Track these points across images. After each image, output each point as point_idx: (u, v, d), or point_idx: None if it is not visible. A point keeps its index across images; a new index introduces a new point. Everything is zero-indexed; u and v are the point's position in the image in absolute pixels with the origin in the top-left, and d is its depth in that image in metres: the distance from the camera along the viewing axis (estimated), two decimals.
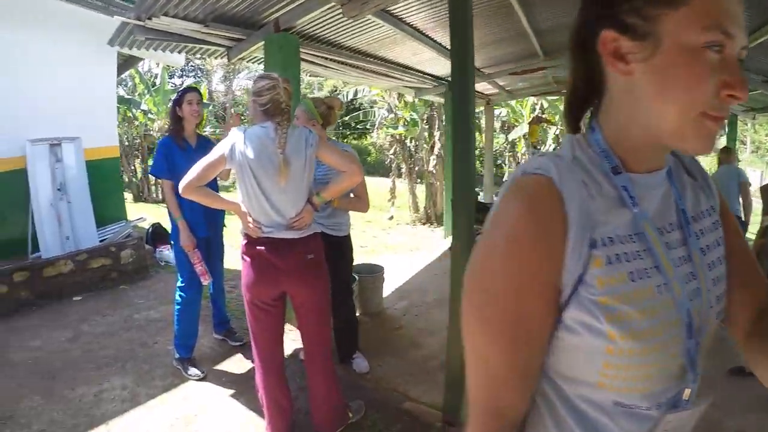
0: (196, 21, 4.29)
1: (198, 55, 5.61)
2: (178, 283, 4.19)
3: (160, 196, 18.13)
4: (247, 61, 5.83)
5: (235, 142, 2.62)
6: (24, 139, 6.37)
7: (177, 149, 3.95)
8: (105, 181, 7.45)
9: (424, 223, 13.10)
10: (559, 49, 6.94)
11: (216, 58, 5.70)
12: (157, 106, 17.47)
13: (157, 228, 8.01)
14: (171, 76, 23.47)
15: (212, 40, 4.80)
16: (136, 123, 18.08)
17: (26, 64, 6.62)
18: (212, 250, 4.35)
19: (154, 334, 5.00)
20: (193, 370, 4.10)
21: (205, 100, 18.57)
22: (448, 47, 6.31)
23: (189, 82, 25.84)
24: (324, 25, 4.87)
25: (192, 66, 28.37)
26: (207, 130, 19.14)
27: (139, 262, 6.73)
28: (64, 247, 6.40)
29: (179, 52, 5.40)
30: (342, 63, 6.18)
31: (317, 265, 2.85)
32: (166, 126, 18.22)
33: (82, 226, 6.67)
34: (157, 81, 18.29)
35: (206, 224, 4.08)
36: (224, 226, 4.44)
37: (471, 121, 3.09)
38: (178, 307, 4.17)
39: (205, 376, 4.10)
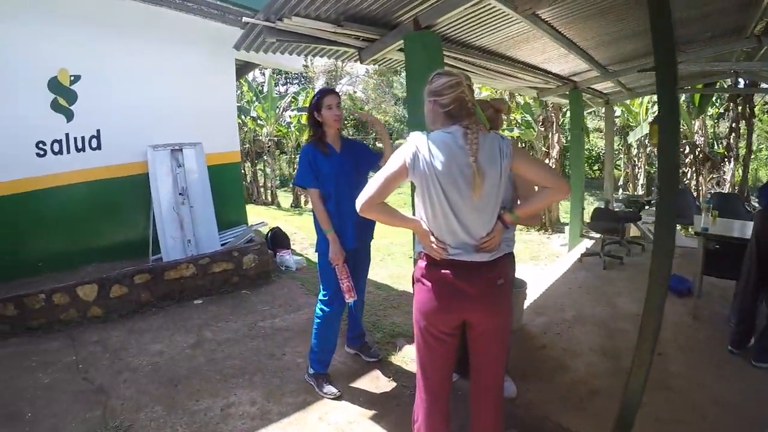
0: (328, 21, 4.09)
1: (327, 57, 5.45)
2: (321, 296, 3.88)
3: (269, 198, 18.62)
4: (378, 64, 5.62)
5: (417, 149, 2.25)
6: (146, 145, 6.57)
7: (321, 156, 3.66)
8: (226, 185, 7.55)
9: (538, 230, 12.51)
10: (694, 40, 6.37)
11: (345, 60, 5.53)
12: (265, 112, 17.93)
13: (276, 232, 7.95)
14: (275, 84, 23.96)
15: (343, 40, 4.59)
16: (245, 129, 18.74)
17: (149, 72, 6.82)
18: (359, 263, 4.00)
19: (281, 345, 4.79)
20: (328, 388, 3.83)
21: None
22: (579, 45, 6.00)
23: (293, 89, 26.28)
24: (461, 23, 4.58)
25: (295, 74, 28.96)
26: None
27: (261, 267, 6.64)
28: (185, 251, 6.48)
29: (307, 55, 5.24)
30: (469, 63, 5.88)
31: (506, 290, 2.49)
32: (275, 131, 18.76)
33: (203, 230, 6.74)
34: (264, 88, 18.70)
35: (356, 236, 3.75)
36: (372, 237, 4.09)
37: (677, 127, 2.67)
38: (318, 321, 3.87)
39: (341, 395, 3.81)
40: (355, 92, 32.34)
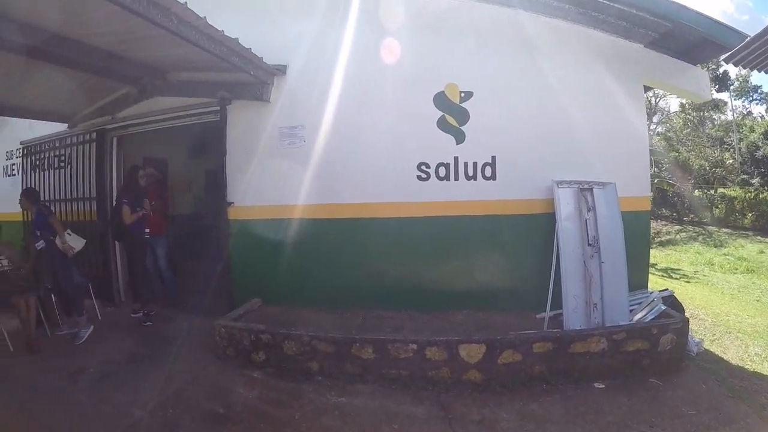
0: None
1: None
2: None
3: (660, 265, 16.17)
4: None
5: None
6: (550, 180, 5.61)
7: None
8: (634, 239, 5.98)
9: None
10: None
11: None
12: None
13: (673, 302, 6.21)
14: None
15: None
16: None
17: (548, 93, 5.91)
18: None
19: None
20: None
21: None
22: None
23: None
24: None
25: None
26: None
27: (677, 352, 5.06)
28: (589, 317, 5.24)
29: None
30: None
31: None
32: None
33: (612, 293, 5.38)
34: None
35: None
36: None
37: None
38: None
39: None
40: (667, 132, 29.19)
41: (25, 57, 5.03)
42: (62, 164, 8.11)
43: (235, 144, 6.44)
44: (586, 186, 5.50)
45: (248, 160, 6.35)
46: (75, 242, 6.40)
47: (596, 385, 4.63)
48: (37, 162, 8.51)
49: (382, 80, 5.92)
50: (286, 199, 6.18)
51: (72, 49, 4.94)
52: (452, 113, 5.77)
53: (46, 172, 8.30)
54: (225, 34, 4.80)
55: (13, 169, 9.42)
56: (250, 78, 5.84)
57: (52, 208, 7.18)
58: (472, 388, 4.48)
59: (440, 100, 5.78)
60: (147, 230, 6.77)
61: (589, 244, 5.28)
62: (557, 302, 5.37)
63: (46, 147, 8.35)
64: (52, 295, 6.58)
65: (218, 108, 6.54)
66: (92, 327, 6.27)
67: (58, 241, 6.10)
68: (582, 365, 4.72)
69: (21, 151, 8.88)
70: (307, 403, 4.31)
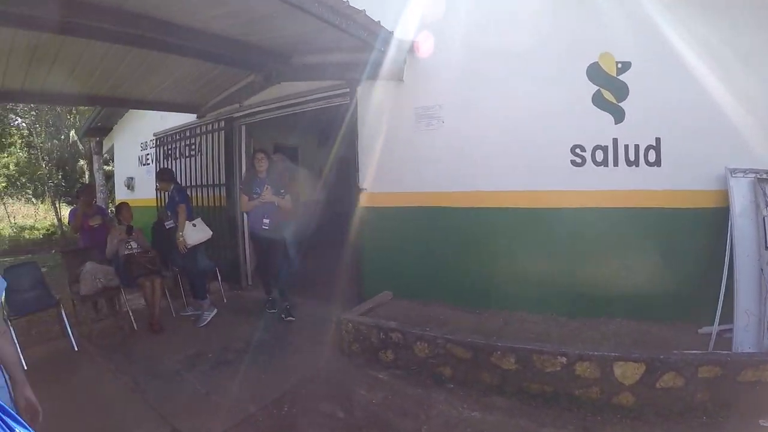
0: None
1: None
2: None
3: None
4: None
5: None
6: (722, 167, 4.72)
7: None
8: None
9: None
10: None
11: None
12: None
13: None
14: None
15: None
16: None
17: (726, 62, 4.89)
18: None
19: None
20: None
21: None
22: None
23: None
24: None
25: None
26: None
27: None
28: (760, 338, 4.36)
29: None
30: None
31: None
32: None
33: None
34: None
35: None
36: None
37: None
38: None
39: None
40: None
41: (154, 51, 5.14)
42: (192, 152, 8.38)
43: (366, 127, 6.26)
44: (764, 176, 4.58)
45: (381, 144, 6.11)
46: (200, 233, 6.58)
47: (762, 422, 3.82)
48: (169, 151, 8.89)
49: (526, 51, 5.32)
50: (422, 186, 5.89)
51: (194, 39, 4.92)
52: (609, 87, 5.11)
53: (178, 161, 8.63)
54: (349, 5, 4.49)
55: (148, 159, 9.98)
56: (380, 56, 5.52)
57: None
58: (623, 414, 3.88)
59: (594, 71, 5.15)
60: (266, 220, 6.43)
61: (767, 248, 4.44)
62: (723, 315, 4.58)
63: (177, 137, 8.68)
64: (179, 277, 7.01)
65: (347, 90, 6.36)
66: (215, 310, 6.38)
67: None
68: (748, 397, 3.92)
69: (154, 141, 9.27)
70: (436, 415, 3.92)
